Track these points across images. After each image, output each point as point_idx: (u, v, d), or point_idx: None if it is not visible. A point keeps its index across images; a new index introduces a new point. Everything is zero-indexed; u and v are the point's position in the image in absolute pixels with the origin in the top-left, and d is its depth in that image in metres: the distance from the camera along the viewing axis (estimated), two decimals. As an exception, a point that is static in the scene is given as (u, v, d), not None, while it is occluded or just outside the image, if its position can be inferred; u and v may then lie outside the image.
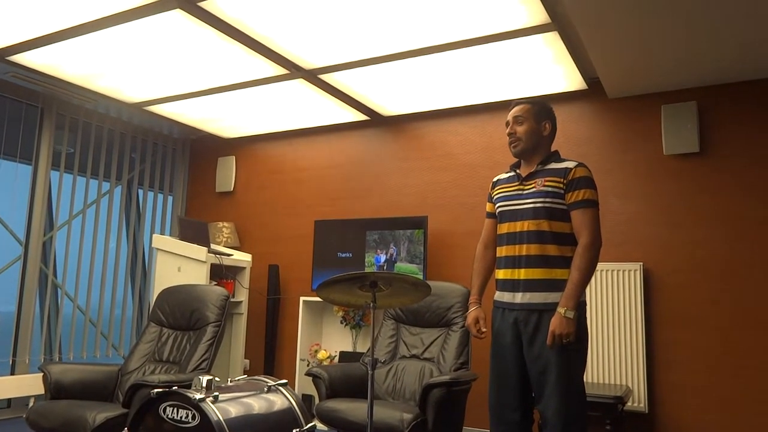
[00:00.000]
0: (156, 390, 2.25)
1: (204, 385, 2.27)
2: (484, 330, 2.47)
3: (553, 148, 2.47)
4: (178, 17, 3.09)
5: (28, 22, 3.23)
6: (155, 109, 4.61)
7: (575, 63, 3.55)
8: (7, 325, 4.32)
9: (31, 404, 4.20)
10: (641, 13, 2.78)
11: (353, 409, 2.91)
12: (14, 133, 4.43)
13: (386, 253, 4.28)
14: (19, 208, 4.45)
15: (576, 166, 2.32)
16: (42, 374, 3.11)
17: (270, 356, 4.83)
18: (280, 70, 3.77)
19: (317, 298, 4.30)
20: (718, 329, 3.48)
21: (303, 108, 4.51)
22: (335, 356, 4.43)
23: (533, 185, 2.36)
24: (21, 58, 3.71)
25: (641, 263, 3.65)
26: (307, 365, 4.41)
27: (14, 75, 3.97)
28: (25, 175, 4.50)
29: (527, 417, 2.35)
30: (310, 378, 3.30)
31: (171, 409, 2.22)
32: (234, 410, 2.22)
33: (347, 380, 3.29)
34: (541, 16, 3.00)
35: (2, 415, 4.27)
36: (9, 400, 4.31)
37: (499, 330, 2.39)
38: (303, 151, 5.11)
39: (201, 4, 2.96)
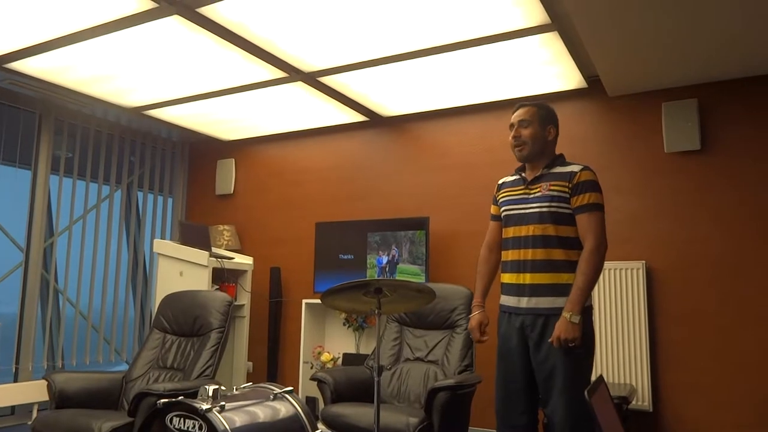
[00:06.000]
0: (162, 400, 2.25)
1: (210, 394, 2.27)
2: (486, 338, 2.48)
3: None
4: (176, 23, 3.08)
5: (25, 29, 3.20)
6: (153, 113, 4.59)
7: (575, 62, 3.54)
8: (9, 331, 4.32)
9: (34, 412, 4.19)
10: (642, 11, 2.77)
11: (360, 414, 2.91)
12: (12, 139, 4.41)
13: (388, 255, 4.27)
14: (19, 214, 4.44)
15: (581, 170, 2.32)
16: (45, 381, 3.11)
17: (273, 359, 4.82)
18: (279, 74, 3.75)
19: (319, 301, 4.29)
20: (722, 327, 3.48)
21: (302, 110, 4.50)
22: (338, 358, 4.42)
23: (539, 189, 2.35)
24: (18, 66, 3.69)
25: (644, 261, 3.65)
26: (311, 367, 4.41)
27: (12, 82, 3.95)
28: (24, 180, 4.49)
29: (533, 420, 2.36)
30: (314, 381, 3.30)
31: (178, 419, 2.22)
32: (240, 419, 2.21)
33: (352, 384, 3.29)
34: (540, 16, 2.99)
35: (6, 423, 4.27)
36: (13, 407, 4.30)
37: (506, 334, 2.39)
38: (303, 153, 5.10)
39: (199, 9, 2.94)
